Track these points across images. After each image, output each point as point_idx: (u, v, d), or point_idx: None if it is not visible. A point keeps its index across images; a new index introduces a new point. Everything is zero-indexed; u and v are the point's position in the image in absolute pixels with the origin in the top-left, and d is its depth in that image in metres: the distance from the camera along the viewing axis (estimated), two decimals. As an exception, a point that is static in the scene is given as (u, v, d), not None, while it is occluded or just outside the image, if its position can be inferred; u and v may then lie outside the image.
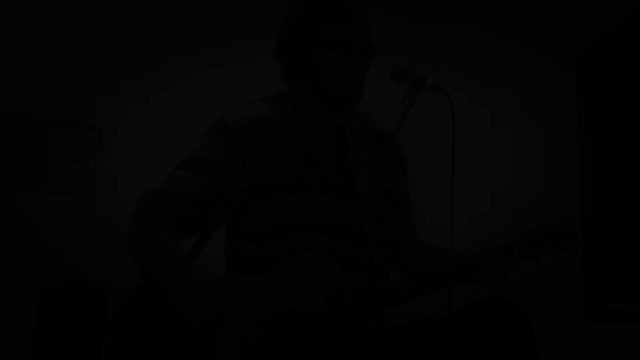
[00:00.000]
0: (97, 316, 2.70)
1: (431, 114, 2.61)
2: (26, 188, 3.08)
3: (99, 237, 3.06)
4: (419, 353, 1.47)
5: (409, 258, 1.72)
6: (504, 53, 3.49)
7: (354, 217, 1.57)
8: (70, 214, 3.11)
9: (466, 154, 2.37)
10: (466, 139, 2.10)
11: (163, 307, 1.48)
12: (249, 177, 1.56)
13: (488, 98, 3.51)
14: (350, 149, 1.64)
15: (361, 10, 1.58)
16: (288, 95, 1.66)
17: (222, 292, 1.50)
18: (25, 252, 2.98)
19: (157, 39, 3.33)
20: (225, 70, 3.40)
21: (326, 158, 1.62)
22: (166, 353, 1.46)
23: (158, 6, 3.36)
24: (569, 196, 3.14)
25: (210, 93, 3.31)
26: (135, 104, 3.27)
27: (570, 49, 3.22)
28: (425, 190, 3.30)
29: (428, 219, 2.71)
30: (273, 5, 3.43)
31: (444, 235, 1.38)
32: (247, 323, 1.45)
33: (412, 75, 1.48)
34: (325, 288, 1.44)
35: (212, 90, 3.33)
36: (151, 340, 1.47)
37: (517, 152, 3.36)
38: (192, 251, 1.68)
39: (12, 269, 2.94)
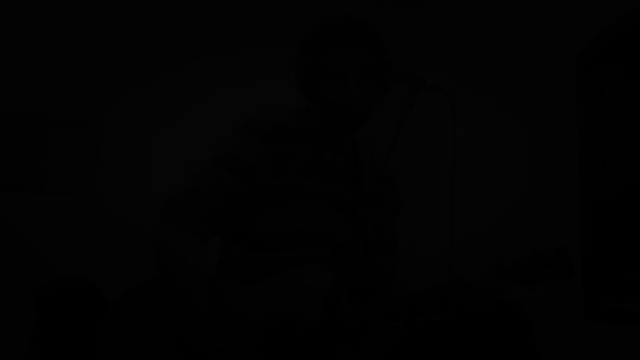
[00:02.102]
0: (97, 316, 2.70)
1: (431, 114, 2.61)
2: (26, 188, 3.08)
3: (99, 237, 3.06)
4: (419, 353, 1.47)
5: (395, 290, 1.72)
6: (503, 52, 3.49)
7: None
8: (70, 214, 3.11)
9: (464, 153, 2.38)
10: (464, 138, 2.11)
11: (159, 307, 1.48)
12: (269, 180, 1.56)
13: (486, 98, 3.51)
14: (361, 169, 1.66)
15: (361, 35, 1.59)
16: (306, 109, 1.68)
17: (217, 300, 1.49)
18: (26, 252, 2.98)
19: (158, 38, 3.33)
20: (228, 71, 3.40)
21: (339, 172, 1.64)
22: (156, 352, 1.45)
23: (159, 5, 3.35)
24: (568, 196, 3.14)
25: (211, 94, 3.31)
26: (135, 104, 3.27)
27: (570, 48, 3.22)
28: (425, 191, 3.31)
29: (428, 222, 2.71)
30: (276, 5, 3.44)
31: (443, 236, 1.38)
32: (240, 333, 1.44)
33: (413, 75, 1.48)
34: (321, 298, 1.44)
35: (213, 90, 3.33)
36: (145, 338, 1.47)
37: (517, 152, 3.36)
38: None
39: (12, 268, 2.94)
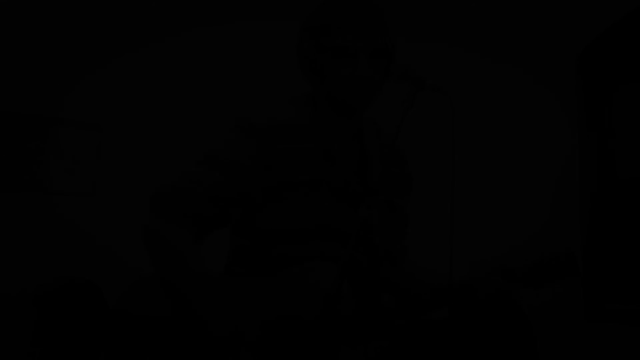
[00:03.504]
0: (97, 316, 2.70)
1: (431, 114, 2.61)
2: (26, 188, 3.08)
3: (99, 237, 3.06)
4: (419, 353, 1.47)
5: (403, 277, 1.73)
6: (503, 53, 3.48)
7: (364, 226, 1.57)
8: (70, 214, 3.11)
9: (464, 154, 2.37)
10: (464, 139, 2.11)
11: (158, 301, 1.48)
12: (269, 179, 1.55)
13: (487, 97, 3.51)
14: (368, 155, 1.65)
15: (370, 16, 1.58)
16: (310, 96, 1.67)
17: (226, 287, 1.50)
18: (25, 252, 2.98)
19: (159, 38, 3.33)
20: (230, 69, 3.40)
21: (345, 161, 1.63)
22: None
23: (160, 4, 3.35)
24: (568, 196, 3.14)
25: (212, 93, 3.31)
26: (135, 104, 3.27)
27: (571, 48, 3.22)
28: (425, 192, 3.30)
29: (427, 220, 2.71)
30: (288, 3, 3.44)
31: (443, 236, 1.38)
32: (246, 328, 1.44)
33: (412, 75, 1.49)
34: (324, 292, 1.44)
35: (214, 90, 3.33)
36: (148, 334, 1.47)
37: (516, 152, 3.36)
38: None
39: (12, 269, 2.94)
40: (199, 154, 1.58)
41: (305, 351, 1.42)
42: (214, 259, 1.63)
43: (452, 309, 1.46)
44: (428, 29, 3.73)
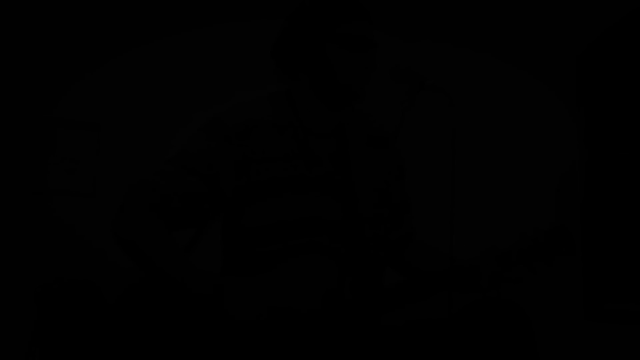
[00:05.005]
0: (97, 316, 2.70)
1: (431, 114, 2.61)
2: (26, 188, 3.08)
3: (99, 237, 3.05)
4: (418, 353, 1.47)
5: (410, 261, 1.73)
6: (504, 53, 3.49)
7: (352, 217, 1.57)
8: (70, 214, 3.11)
9: (465, 154, 2.38)
10: (465, 139, 2.11)
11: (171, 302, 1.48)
12: (247, 177, 1.55)
13: (488, 98, 3.51)
14: (350, 147, 1.64)
15: (366, 11, 1.61)
16: (285, 94, 1.66)
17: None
18: (26, 252, 2.98)
19: (158, 38, 3.33)
20: (228, 70, 3.40)
21: (326, 156, 1.62)
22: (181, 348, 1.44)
23: (159, 4, 3.35)
24: (569, 196, 3.14)
25: (211, 93, 3.31)
26: (135, 104, 3.27)
27: (571, 48, 3.22)
28: (425, 192, 3.31)
29: (428, 220, 2.71)
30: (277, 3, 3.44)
31: (443, 236, 1.38)
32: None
33: (412, 75, 1.49)
34: (324, 288, 1.44)
35: (213, 90, 3.33)
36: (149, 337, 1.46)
37: (517, 152, 3.36)
38: (186, 248, 1.67)
39: (12, 269, 2.94)
40: (172, 152, 1.60)
41: (306, 342, 1.42)
42: (212, 263, 1.64)
43: (451, 288, 1.47)
44: (429, 29, 3.73)
